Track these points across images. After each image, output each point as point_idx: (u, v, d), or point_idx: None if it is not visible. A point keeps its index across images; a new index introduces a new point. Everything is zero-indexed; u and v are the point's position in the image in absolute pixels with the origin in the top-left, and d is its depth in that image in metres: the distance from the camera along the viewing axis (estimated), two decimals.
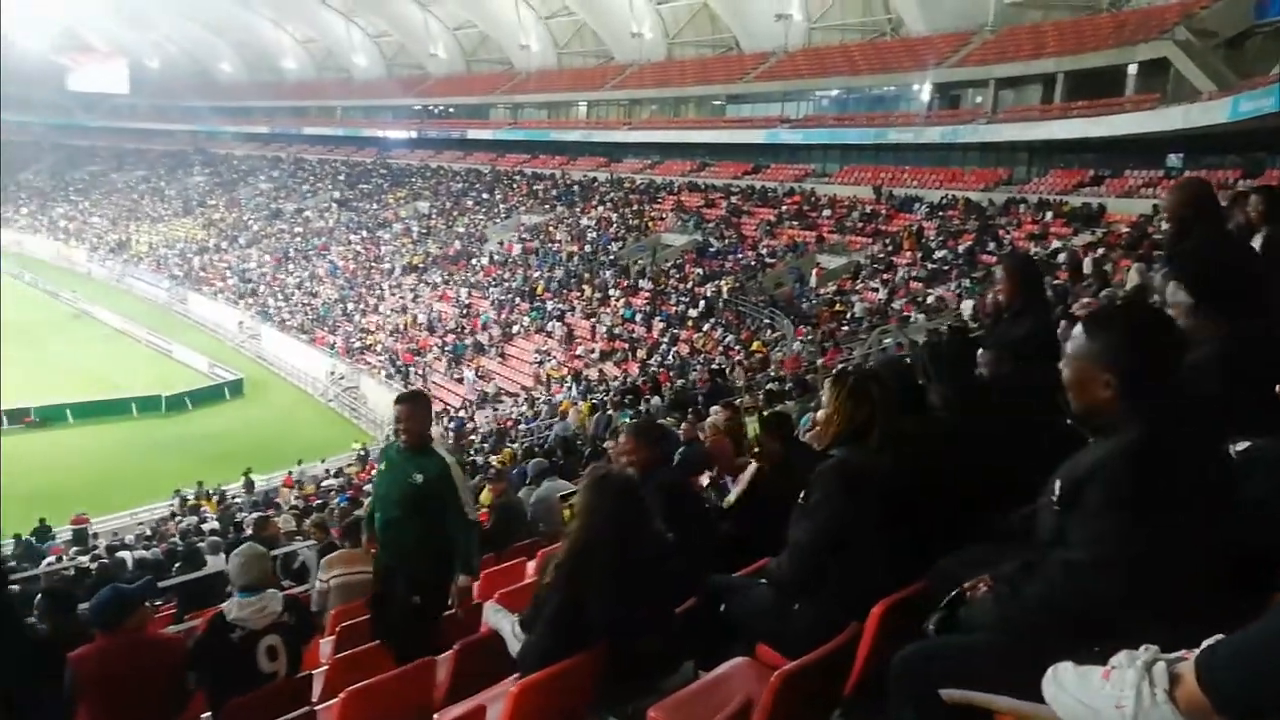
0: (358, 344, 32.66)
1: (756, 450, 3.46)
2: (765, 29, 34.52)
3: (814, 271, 25.46)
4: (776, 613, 2.52)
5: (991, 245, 23.03)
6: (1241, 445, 2.04)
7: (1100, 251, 20.04)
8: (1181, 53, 21.24)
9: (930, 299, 21.41)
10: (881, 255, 25.22)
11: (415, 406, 4.48)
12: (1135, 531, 1.67)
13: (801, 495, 2.61)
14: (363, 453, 22.69)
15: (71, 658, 3.65)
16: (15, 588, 8.04)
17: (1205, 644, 1.28)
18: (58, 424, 27.02)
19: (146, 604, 4.31)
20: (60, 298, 43.79)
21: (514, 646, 3.12)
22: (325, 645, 5.05)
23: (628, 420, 12.44)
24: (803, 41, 34.02)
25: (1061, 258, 20.68)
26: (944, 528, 2.57)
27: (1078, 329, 1.90)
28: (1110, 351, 1.80)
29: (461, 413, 25.13)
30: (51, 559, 14.68)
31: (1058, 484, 1.82)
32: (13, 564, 13.78)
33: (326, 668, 4.36)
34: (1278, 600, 1.20)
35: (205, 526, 15.63)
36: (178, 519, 17.73)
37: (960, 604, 2.03)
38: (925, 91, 29.50)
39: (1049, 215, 23.64)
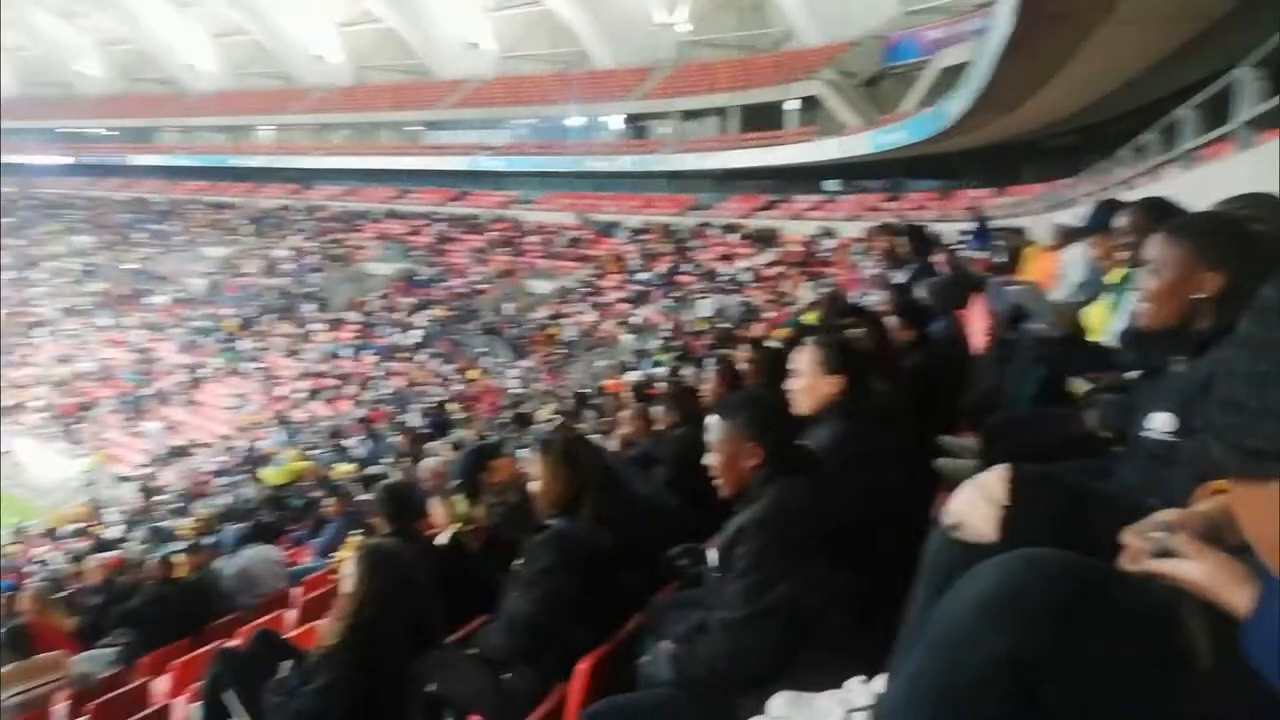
0: (10, 401, 28.14)
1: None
2: (458, 56, 34.49)
3: (513, 305, 25.70)
4: (486, 683, 2.51)
5: (687, 266, 24.67)
6: None
7: (779, 269, 22.23)
8: (830, 91, 24.09)
9: (636, 319, 22.50)
10: (589, 279, 26.08)
11: None
12: (775, 585, 1.87)
13: (519, 562, 2.62)
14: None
15: None
16: None
17: (872, 690, 1.41)
18: None
19: None
20: None
21: None
22: None
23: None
24: (496, 70, 34.40)
25: (747, 276, 22.71)
26: (650, 575, 2.73)
27: (713, 417, 2.17)
28: (756, 422, 2.06)
29: (148, 470, 22.51)
30: None
31: (713, 552, 2.01)
32: None
33: None
34: (902, 650, 1.36)
35: None
36: None
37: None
38: (617, 121, 31.00)
39: (733, 237, 25.73)
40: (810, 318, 9.92)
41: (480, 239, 30.93)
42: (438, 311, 25.97)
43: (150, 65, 44.00)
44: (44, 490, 24.66)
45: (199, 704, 3.17)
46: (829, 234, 23.35)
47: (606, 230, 28.88)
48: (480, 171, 33.55)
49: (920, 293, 5.43)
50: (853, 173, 25.16)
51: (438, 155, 35.02)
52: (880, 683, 1.41)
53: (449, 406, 18.15)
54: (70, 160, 45.30)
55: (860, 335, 3.50)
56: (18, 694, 5.15)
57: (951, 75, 18.55)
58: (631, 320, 22.50)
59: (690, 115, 29.06)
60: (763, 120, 26.73)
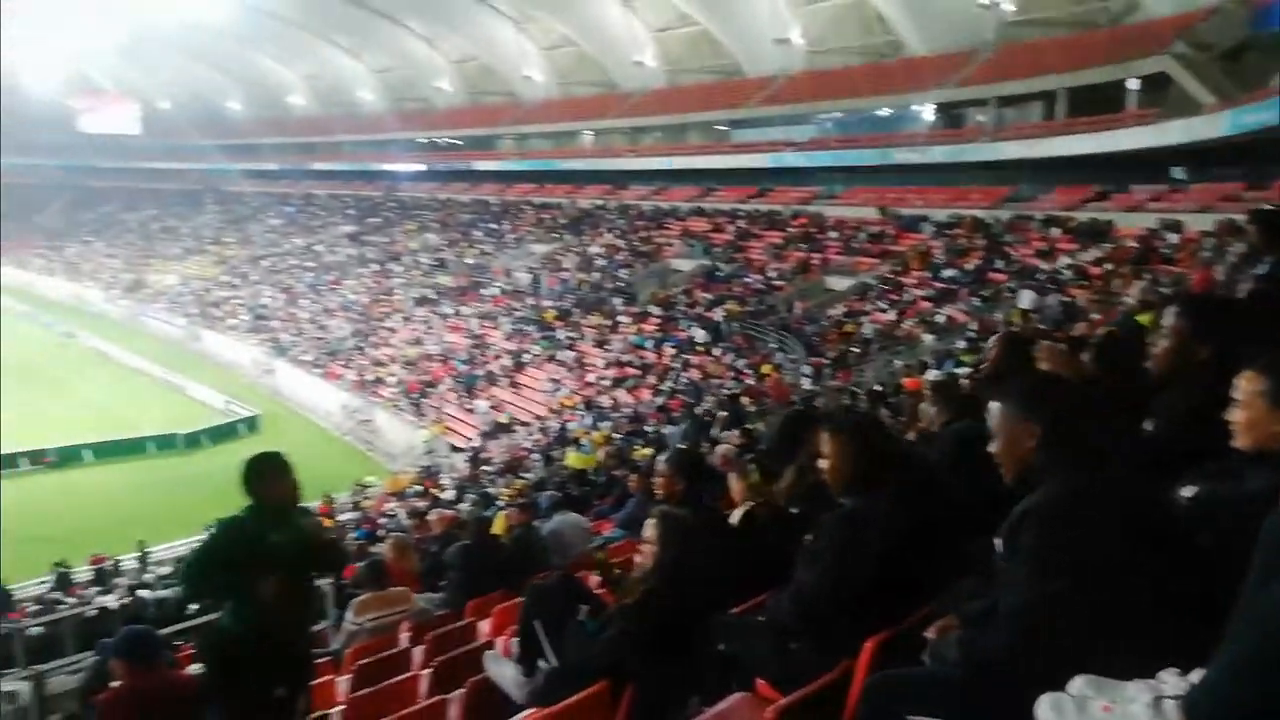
0: (371, 377, 32.90)
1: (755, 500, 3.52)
2: (766, 53, 34.86)
3: (799, 304, 25.43)
4: (774, 650, 2.60)
5: (1000, 263, 23.12)
6: (1189, 490, 2.12)
7: (1108, 266, 20.15)
8: (1180, 67, 21.35)
9: (940, 318, 21.48)
10: (889, 275, 25.30)
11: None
12: (1060, 572, 1.78)
13: (809, 538, 2.70)
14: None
15: (101, 700, 3.74)
16: None
17: (1189, 681, 1.35)
18: (76, 464, 27.26)
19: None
20: (76, 338, 44.29)
21: (517, 693, 3.22)
22: (342, 683, 5.13)
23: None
24: (804, 65, 34.34)
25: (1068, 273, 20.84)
26: (944, 563, 2.68)
27: (992, 403, 2.11)
28: (1034, 405, 2.00)
29: (475, 443, 25.29)
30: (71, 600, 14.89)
31: (999, 540, 1.96)
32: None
33: (344, 706, 4.44)
34: (1229, 635, 1.27)
35: None
36: None
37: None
38: (928, 111, 29.72)
39: (1056, 231, 23.69)
40: (1144, 319, 8.97)
41: (779, 235, 31.10)
42: (734, 307, 26.50)
43: (493, 79, 49.07)
44: (394, 455, 28.56)
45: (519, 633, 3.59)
46: (1173, 228, 20.76)
47: (911, 225, 27.81)
48: (783, 168, 33.74)
49: None
50: (1206, 158, 22.10)
51: (742, 153, 35.71)
52: (1197, 675, 1.32)
53: (741, 400, 18.50)
54: (424, 167, 51.91)
55: None
56: (373, 619, 6.10)
57: None
58: (934, 319, 21.51)
59: (1010, 101, 27.12)
60: (1096, 103, 24.30)
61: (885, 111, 31.69)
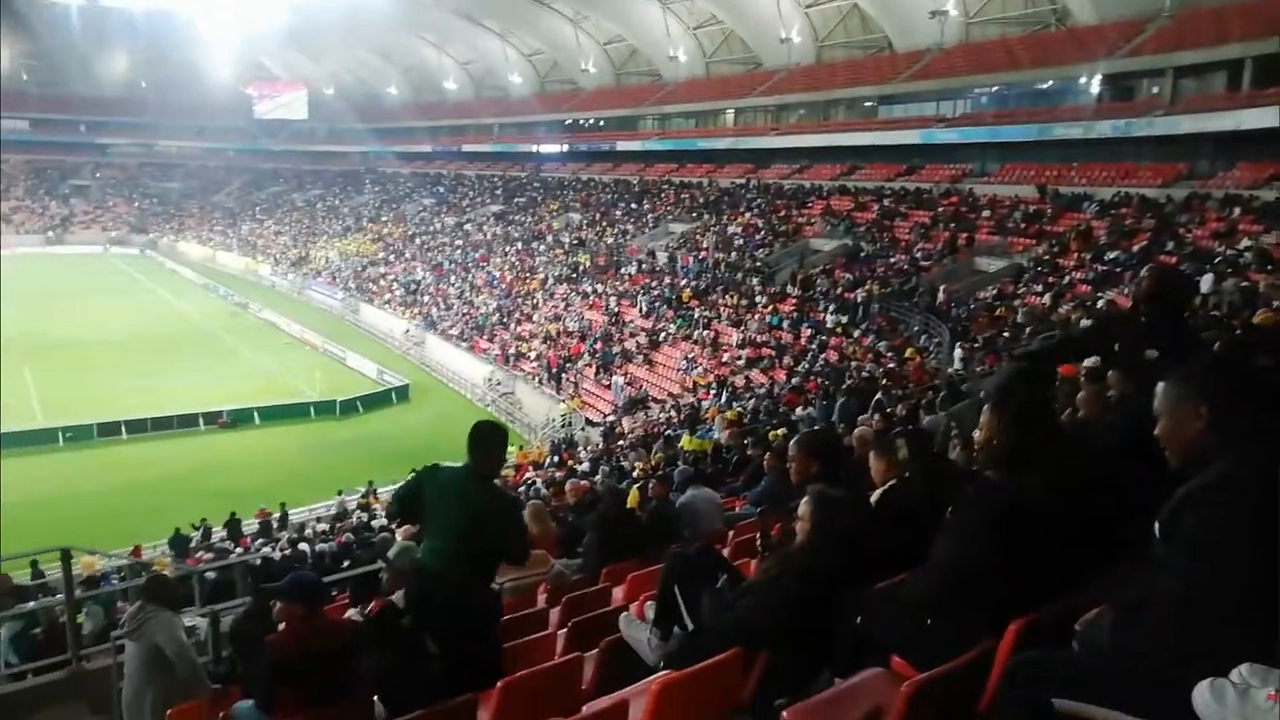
0: (514, 351, 33.94)
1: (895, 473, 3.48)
2: (919, 27, 33.58)
3: (957, 283, 24.35)
4: (911, 626, 2.55)
5: (1171, 245, 21.51)
6: None
7: None
8: None
9: (1100, 303, 20.18)
10: (1046, 257, 23.99)
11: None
12: (1223, 557, 1.68)
13: (949, 511, 2.63)
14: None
15: (273, 640, 4.06)
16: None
17: None
18: (247, 425, 29.47)
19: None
20: (248, 309, 47.75)
21: (650, 656, 3.28)
22: None
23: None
24: (959, 37, 32.87)
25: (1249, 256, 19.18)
26: (1094, 550, 2.55)
27: (1160, 384, 2.01)
28: (1203, 386, 1.91)
29: (610, 418, 25.71)
30: (239, 550, 16.21)
31: (1157, 524, 1.87)
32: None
33: None
34: None
35: (375, 523, 16.68)
36: (354, 515, 19.01)
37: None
38: (1095, 84, 27.89)
39: (1236, 211, 21.82)
40: None
41: (927, 215, 29.97)
42: (876, 288, 25.76)
43: (638, 59, 49.42)
44: (533, 426, 29.43)
45: (657, 597, 3.65)
46: None
47: (1072, 204, 26.22)
48: (933, 145, 32.48)
49: None
50: None
51: (890, 130, 34.59)
52: None
53: (884, 382, 18.00)
54: (567, 148, 52.92)
55: None
56: (512, 580, 6.32)
57: None
58: (1094, 304, 20.22)
59: (1187, 71, 25.09)
60: None
61: (1045, 84, 29.96)
